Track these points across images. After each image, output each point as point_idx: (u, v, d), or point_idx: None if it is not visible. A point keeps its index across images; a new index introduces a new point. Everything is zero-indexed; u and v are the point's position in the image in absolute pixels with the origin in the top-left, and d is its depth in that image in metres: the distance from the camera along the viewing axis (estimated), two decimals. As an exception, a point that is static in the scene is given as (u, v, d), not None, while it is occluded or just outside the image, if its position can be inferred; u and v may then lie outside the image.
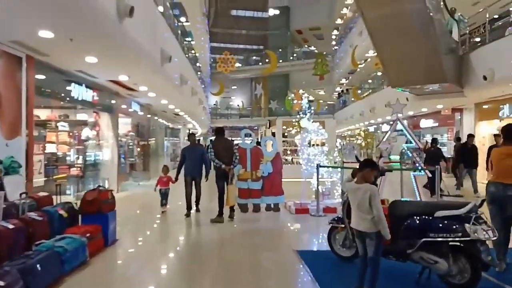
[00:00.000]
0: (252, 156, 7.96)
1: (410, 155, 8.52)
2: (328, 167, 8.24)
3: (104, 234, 5.50)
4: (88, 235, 5.04)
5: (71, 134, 10.03)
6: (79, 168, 9.98)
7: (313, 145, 9.72)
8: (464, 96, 12.69)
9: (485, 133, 15.06)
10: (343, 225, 4.62)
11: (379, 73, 31.90)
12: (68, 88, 8.51)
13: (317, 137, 8.15)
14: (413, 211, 3.97)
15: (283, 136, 19.23)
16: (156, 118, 17.45)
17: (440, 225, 3.69)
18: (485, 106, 14.78)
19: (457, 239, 3.61)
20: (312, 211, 7.86)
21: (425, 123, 19.50)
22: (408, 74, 11.98)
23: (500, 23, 13.28)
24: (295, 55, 40.24)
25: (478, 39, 13.43)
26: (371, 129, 31.93)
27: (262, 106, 38.18)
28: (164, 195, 8.03)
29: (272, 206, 8.17)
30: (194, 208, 7.89)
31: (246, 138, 8.21)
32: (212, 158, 7.13)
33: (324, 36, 39.13)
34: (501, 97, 12.96)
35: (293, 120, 16.54)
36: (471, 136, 11.58)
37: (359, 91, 26.58)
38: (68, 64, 7.83)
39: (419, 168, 8.29)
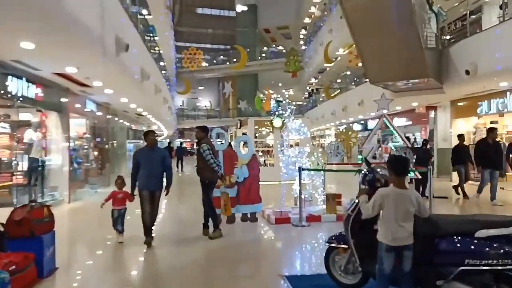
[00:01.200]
0: (225, 159, 6.89)
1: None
2: (312, 170, 7.33)
3: (38, 263, 4.27)
4: (12, 267, 3.82)
5: (13, 136, 8.64)
6: (21, 176, 8.59)
7: (291, 145, 8.82)
8: (443, 93, 12.21)
9: (461, 131, 14.74)
10: (345, 246, 3.67)
11: (348, 72, 31.79)
12: (4, 82, 7.12)
13: (300, 136, 7.22)
14: (447, 228, 3.05)
15: (254, 137, 18.25)
16: (116, 119, 16.00)
17: (484, 248, 2.79)
18: (460, 104, 14.45)
19: (508, 267, 2.72)
20: (294, 221, 6.91)
21: (398, 121, 19.12)
22: (388, 68, 11.33)
23: (474, 17, 13.01)
24: (263, 55, 39.49)
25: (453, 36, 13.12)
26: (342, 128, 31.65)
27: (231, 107, 37.11)
28: (119, 218, 5.79)
29: (248, 215, 7.14)
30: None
31: (218, 139, 7.15)
32: (212, 162, 5.88)
33: (292, 35, 38.60)
34: (479, 94, 12.60)
35: (266, 120, 15.63)
36: (492, 131, 9.63)
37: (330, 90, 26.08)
38: (1, 52, 6.48)
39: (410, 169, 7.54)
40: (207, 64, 37.38)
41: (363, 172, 3.74)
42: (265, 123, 15.78)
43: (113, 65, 7.80)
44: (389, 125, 8.09)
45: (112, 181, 14.19)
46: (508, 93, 11.62)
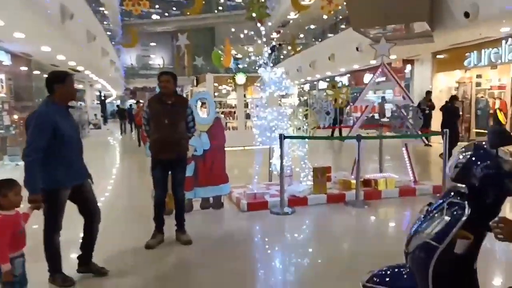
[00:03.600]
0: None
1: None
2: (298, 138, 5.46)
3: None
4: None
5: None
6: None
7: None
8: (432, 41, 10.60)
9: (442, 86, 13.45)
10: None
11: (313, 26, 29.72)
12: None
13: (281, 91, 5.27)
14: None
15: (214, 96, 16.11)
16: (45, 76, 13.17)
17: None
18: (442, 56, 13.03)
19: None
20: (273, 206, 5.12)
21: (369, 77, 17.61)
22: (375, 10, 9.48)
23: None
24: (220, 8, 36.31)
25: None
26: (306, 87, 29.97)
27: (186, 64, 34.10)
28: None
29: (211, 201, 5.26)
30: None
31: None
32: (192, 125, 4.09)
33: (252, -15, 35.51)
34: (466, 44, 11.16)
35: (227, 76, 13.48)
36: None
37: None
38: None
39: (413, 132, 5.90)
40: (158, 17, 33.85)
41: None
42: (227, 80, 13.64)
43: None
44: (390, 76, 6.35)
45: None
46: (503, 41, 10.22)
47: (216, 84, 13.34)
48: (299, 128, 5.60)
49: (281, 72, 5.23)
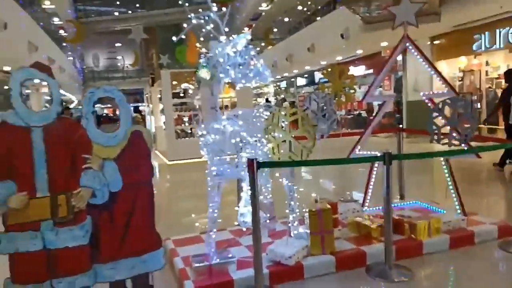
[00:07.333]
0: (49, 150, 2.52)
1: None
2: (284, 165, 3.18)
3: None
4: None
5: None
6: None
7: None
8: (437, 21, 8.60)
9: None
10: None
11: (286, 19, 27.60)
12: None
13: (248, 80, 2.99)
14: None
15: (178, 96, 13.69)
16: None
17: None
18: (442, 40, 11.10)
19: None
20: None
21: (355, 70, 15.58)
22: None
23: None
24: (186, 3, 33.77)
25: None
26: (283, 85, 27.79)
27: (155, 64, 31.42)
28: None
29: (128, 285, 2.92)
30: None
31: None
32: None
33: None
34: (474, 23, 9.23)
35: (187, 71, 11.14)
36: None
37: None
38: None
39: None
40: (116, 13, 31.12)
41: None
42: (188, 77, 11.31)
43: None
44: (417, 54, 4.19)
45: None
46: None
47: (175, 82, 10.97)
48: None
49: (245, 41, 2.95)
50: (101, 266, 2.72)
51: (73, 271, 2.58)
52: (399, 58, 4.53)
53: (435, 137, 3.89)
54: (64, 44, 24.04)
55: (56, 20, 23.81)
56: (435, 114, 3.96)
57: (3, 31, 7.70)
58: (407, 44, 4.16)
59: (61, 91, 21.96)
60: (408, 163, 4.96)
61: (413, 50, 4.17)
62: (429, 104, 4.10)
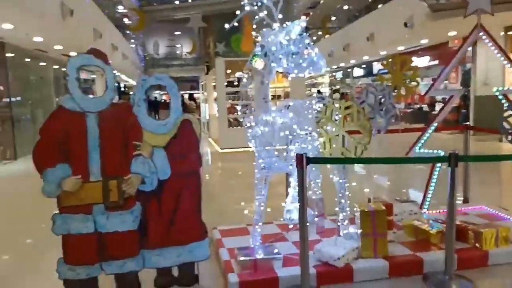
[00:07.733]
0: (102, 136, 2.57)
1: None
2: (335, 161, 3.02)
3: None
4: None
5: None
6: None
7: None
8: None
9: (517, 70, 10.48)
10: None
11: (346, 7, 26.61)
12: None
13: (309, 72, 2.85)
14: None
15: (232, 85, 13.79)
16: (27, 60, 11.46)
17: None
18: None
19: None
20: (288, 286, 2.75)
21: (418, 61, 14.66)
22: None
23: None
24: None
25: None
26: (338, 75, 27.01)
27: (211, 51, 31.95)
28: None
29: (174, 273, 2.93)
30: None
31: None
32: None
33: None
34: None
35: (243, 60, 11.09)
36: None
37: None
38: None
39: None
40: (177, 2, 31.90)
41: None
42: (243, 66, 11.28)
43: None
44: (494, 48, 3.79)
45: (22, 153, 9.86)
46: None
47: (229, 71, 11.00)
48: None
49: (299, 29, 2.79)
50: (149, 252, 2.75)
51: (122, 255, 2.63)
52: (469, 49, 4.15)
53: (509, 137, 3.54)
54: (127, 31, 25.09)
55: (120, 8, 24.88)
56: (509, 112, 3.60)
57: (70, 18, 8.18)
58: (481, 34, 3.76)
59: (124, 77, 22.95)
60: (474, 162, 4.55)
61: (487, 41, 3.76)
62: (503, 101, 3.68)
